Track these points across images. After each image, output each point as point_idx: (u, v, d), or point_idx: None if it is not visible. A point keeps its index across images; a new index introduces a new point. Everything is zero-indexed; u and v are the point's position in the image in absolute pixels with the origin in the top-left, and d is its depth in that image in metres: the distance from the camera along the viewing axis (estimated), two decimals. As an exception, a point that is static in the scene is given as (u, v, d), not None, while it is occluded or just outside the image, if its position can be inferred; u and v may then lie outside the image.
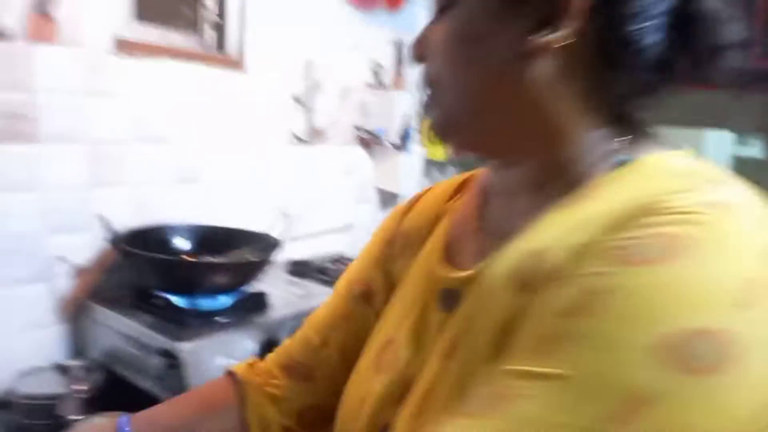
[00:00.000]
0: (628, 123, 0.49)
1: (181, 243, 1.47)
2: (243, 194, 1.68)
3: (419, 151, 2.12)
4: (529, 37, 0.46)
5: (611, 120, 0.49)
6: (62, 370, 1.26)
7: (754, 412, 0.36)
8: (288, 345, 0.74)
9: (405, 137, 2.04)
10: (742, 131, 1.74)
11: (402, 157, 2.04)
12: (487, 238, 0.54)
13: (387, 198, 2.13)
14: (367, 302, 0.68)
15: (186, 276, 1.32)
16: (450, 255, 0.57)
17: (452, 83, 0.51)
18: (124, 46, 1.37)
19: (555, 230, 0.46)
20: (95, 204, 1.37)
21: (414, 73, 2.12)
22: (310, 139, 1.81)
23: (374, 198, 2.09)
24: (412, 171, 2.10)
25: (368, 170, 2.05)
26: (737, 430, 0.35)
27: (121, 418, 0.67)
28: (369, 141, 2.01)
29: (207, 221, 1.53)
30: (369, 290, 0.68)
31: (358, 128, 1.97)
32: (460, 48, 0.50)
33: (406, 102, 2.12)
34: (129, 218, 1.40)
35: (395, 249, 0.66)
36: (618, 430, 0.35)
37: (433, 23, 0.52)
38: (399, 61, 2.08)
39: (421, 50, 0.53)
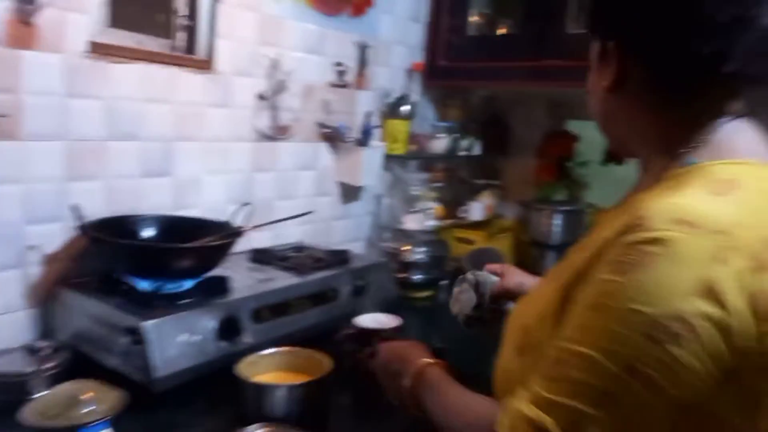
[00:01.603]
0: (703, 129, 0.69)
1: (148, 232, 1.51)
2: (209, 187, 1.73)
3: (380, 146, 2.16)
4: (602, 82, 0.75)
5: (688, 128, 0.69)
6: (31, 350, 1.30)
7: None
8: None
9: (366, 133, 2.08)
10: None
11: (363, 152, 2.08)
12: None
13: (349, 191, 2.18)
14: None
15: (148, 261, 1.35)
16: None
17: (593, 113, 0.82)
18: (99, 50, 1.41)
19: (618, 219, 0.63)
20: (70, 196, 1.40)
21: (375, 73, 2.22)
22: (274, 135, 1.87)
23: (335, 191, 2.15)
24: (372, 165, 2.13)
25: (328, 165, 2.10)
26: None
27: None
28: (332, 137, 2.06)
29: (175, 212, 1.59)
30: None
31: (321, 125, 2.03)
32: (589, 93, 0.81)
33: (368, 100, 2.19)
34: (102, 210, 1.44)
35: None
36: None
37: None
38: (361, 62, 2.13)
39: None
